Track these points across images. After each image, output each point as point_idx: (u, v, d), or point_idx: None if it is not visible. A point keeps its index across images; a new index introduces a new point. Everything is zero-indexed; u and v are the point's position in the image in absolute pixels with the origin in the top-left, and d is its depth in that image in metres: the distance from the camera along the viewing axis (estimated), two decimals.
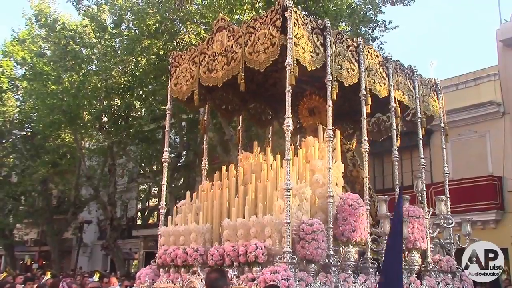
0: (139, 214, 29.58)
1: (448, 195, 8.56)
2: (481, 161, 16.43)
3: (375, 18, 16.32)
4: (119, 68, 18.56)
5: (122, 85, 19.12)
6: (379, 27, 16.47)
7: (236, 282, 5.80)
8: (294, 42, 6.16)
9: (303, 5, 14.84)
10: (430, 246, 7.66)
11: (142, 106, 20.36)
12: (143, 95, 19.42)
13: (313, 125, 8.23)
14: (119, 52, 18.33)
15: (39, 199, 26.90)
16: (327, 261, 5.94)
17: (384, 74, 7.67)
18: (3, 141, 25.67)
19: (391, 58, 7.88)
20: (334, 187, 6.47)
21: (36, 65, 20.71)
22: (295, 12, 6.30)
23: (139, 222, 29.03)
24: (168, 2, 15.70)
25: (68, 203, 27.48)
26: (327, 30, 6.72)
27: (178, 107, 14.68)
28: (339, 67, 6.80)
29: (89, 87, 18.77)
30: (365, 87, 7.10)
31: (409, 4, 16.14)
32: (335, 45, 6.86)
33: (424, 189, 8.27)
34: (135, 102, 20.08)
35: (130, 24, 17.73)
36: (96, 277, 15.65)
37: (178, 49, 14.00)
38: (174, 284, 6.72)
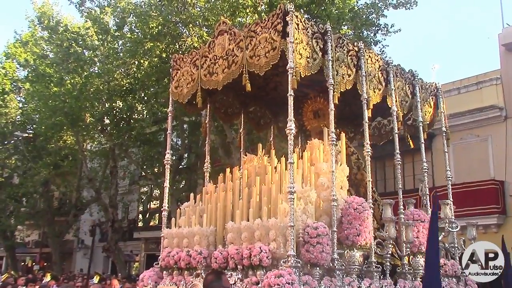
0: (140, 216, 29.58)
1: (451, 199, 8.55)
2: (483, 165, 16.42)
3: (377, 21, 16.34)
4: (122, 70, 18.59)
5: (124, 88, 19.16)
6: (381, 31, 16.49)
7: (240, 286, 5.80)
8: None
9: (305, 9, 14.88)
10: None
11: (144, 108, 20.40)
12: (145, 98, 19.46)
13: (317, 128, 8.24)
14: (121, 54, 18.37)
15: (40, 201, 26.91)
16: (331, 265, 5.92)
17: (382, 80, 7.66)
18: (5, 142, 25.69)
19: (391, 63, 7.89)
20: (339, 190, 6.47)
21: (39, 67, 20.78)
22: (296, 17, 6.32)
23: (140, 224, 29.03)
24: (170, 4, 15.74)
25: (69, 205, 27.50)
26: (328, 34, 6.73)
27: (180, 109, 14.69)
28: (335, 72, 6.80)
29: (91, 89, 18.81)
30: (367, 91, 7.11)
31: (412, 8, 16.16)
32: (336, 50, 6.87)
33: (427, 192, 8.27)
34: (137, 104, 20.13)
35: (133, 27, 17.78)
36: (95, 279, 15.65)
37: (180, 52, 14.04)
38: (178, 287, 6.70)
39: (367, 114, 7.07)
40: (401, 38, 55.85)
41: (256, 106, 9.48)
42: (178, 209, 7.85)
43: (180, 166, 21.17)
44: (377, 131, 9.42)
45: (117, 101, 20.01)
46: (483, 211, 15.56)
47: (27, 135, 25.19)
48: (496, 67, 17.28)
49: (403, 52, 50.57)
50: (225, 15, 14.12)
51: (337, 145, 6.69)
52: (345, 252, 6.21)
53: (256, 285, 5.63)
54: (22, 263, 33.73)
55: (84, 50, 20.07)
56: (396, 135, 7.67)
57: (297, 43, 6.24)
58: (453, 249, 8.17)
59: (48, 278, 13.23)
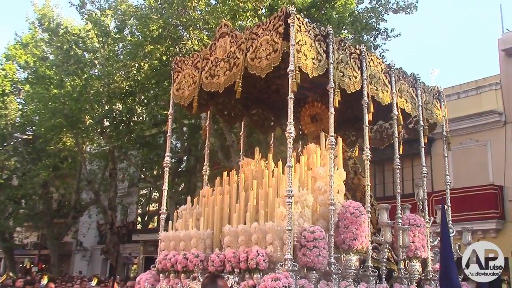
0: (139, 218, 29.55)
1: (449, 204, 8.54)
2: (482, 170, 16.42)
3: (378, 26, 16.35)
4: (122, 73, 18.60)
5: (124, 90, 19.19)
6: (381, 35, 16.50)
7: None
8: (297, 49, 6.14)
9: (305, 13, 14.89)
10: (430, 254, 7.65)
11: (144, 111, 20.41)
12: (145, 100, 19.48)
13: (314, 132, 8.22)
14: (121, 57, 18.42)
15: (39, 203, 26.87)
16: (328, 268, 5.92)
17: (387, 82, 7.66)
18: (5, 144, 25.70)
19: (394, 66, 7.89)
20: (336, 194, 6.46)
21: (39, 69, 20.81)
22: (298, 19, 6.31)
23: (139, 226, 29.00)
24: (171, 7, 15.76)
25: (68, 207, 27.48)
26: (330, 37, 6.72)
27: (180, 112, 14.71)
28: (341, 74, 6.79)
29: (91, 92, 18.83)
30: (368, 94, 7.11)
31: (412, 13, 16.15)
32: (338, 52, 6.85)
33: (425, 197, 8.25)
34: (137, 107, 20.15)
35: (133, 29, 17.83)
36: (94, 282, 15.62)
37: (180, 55, 14.04)
38: None
39: (367, 117, 7.06)
40: (401, 42, 55.91)
41: (259, 109, 9.47)
42: (176, 212, 7.85)
43: (180, 169, 21.19)
44: (378, 135, 9.39)
45: (117, 104, 20.03)
46: (482, 216, 15.56)
47: (26, 136, 25.19)
48: (495, 72, 17.31)
49: (402, 57, 50.62)
50: (225, 18, 14.13)
51: (334, 149, 6.68)
52: (342, 256, 6.22)
53: None
54: (21, 265, 33.70)
55: (84, 53, 20.08)
56: (396, 139, 7.66)
57: (301, 44, 6.24)
58: None
59: (45, 280, 13.21)
